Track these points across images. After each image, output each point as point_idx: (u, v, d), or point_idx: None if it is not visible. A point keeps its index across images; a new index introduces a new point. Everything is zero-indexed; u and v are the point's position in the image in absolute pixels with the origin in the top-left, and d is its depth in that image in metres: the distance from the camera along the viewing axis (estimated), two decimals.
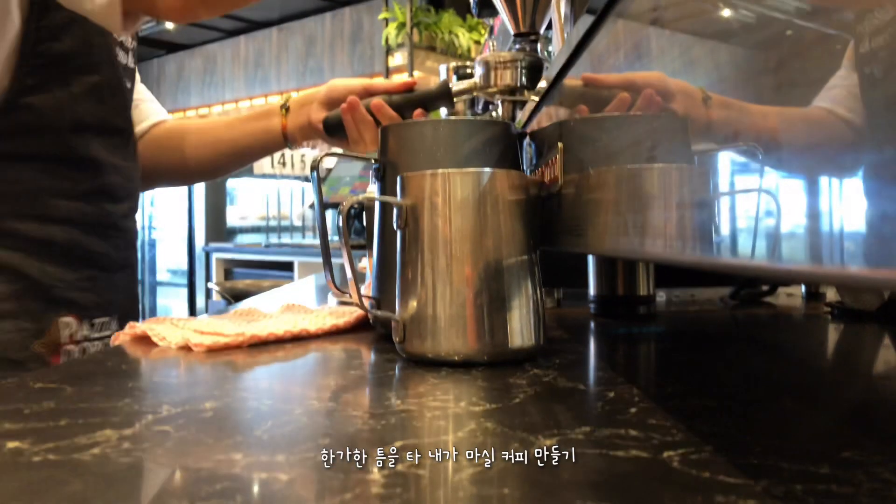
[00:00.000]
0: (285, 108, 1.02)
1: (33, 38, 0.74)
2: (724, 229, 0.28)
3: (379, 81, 0.96)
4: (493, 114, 1.53)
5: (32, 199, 0.76)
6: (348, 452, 0.35)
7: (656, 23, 0.37)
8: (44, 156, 0.77)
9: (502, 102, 1.03)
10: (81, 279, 0.81)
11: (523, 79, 0.85)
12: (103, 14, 0.69)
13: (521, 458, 0.33)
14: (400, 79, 0.95)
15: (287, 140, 1.03)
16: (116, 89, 0.84)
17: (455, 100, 0.95)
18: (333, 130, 0.95)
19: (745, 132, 0.26)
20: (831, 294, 0.97)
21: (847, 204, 0.20)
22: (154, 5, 0.70)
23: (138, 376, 0.52)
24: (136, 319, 0.87)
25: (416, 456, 0.34)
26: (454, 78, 1.03)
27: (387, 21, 4.90)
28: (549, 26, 0.99)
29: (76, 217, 0.80)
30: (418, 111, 0.93)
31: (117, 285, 0.87)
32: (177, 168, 1.08)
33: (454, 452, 0.35)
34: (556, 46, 0.94)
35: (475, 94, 0.92)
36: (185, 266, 5.36)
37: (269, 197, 5.40)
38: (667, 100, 0.36)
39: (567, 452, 0.34)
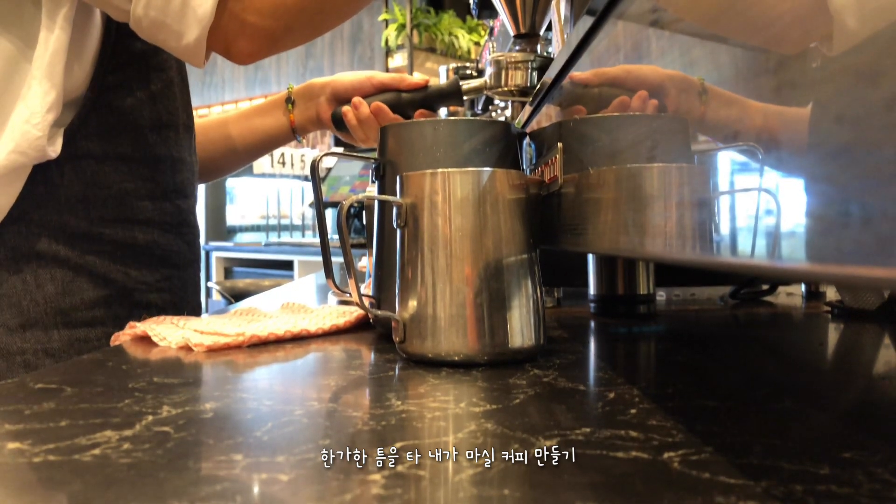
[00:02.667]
0: (291, 101, 1.02)
1: (113, 37, 0.76)
2: (724, 229, 0.28)
3: (384, 76, 0.96)
4: (493, 114, 1.53)
5: (119, 203, 0.78)
6: (348, 453, 0.35)
7: (656, 24, 0.37)
8: (127, 157, 0.79)
9: (512, 103, 1.03)
10: (160, 280, 0.83)
11: (534, 79, 0.85)
12: (188, 53, 0.71)
13: (522, 459, 0.33)
14: (414, 77, 0.95)
15: (296, 133, 1.03)
16: (184, 84, 0.87)
17: (465, 98, 0.95)
18: (342, 126, 0.96)
19: (744, 130, 0.26)
20: (831, 293, 0.97)
21: (847, 203, 0.20)
22: (228, 48, 0.71)
23: (138, 376, 0.52)
24: (199, 314, 0.89)
25: (417, 457, 0.34)
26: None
27: (387, 22, 4.90)
28: (549, 27, 0.99)
29: (156, 217, 0.82)
30: (419, 111, 0.93)
31: (188, 282, 0.89)
32: None
33: (454, 453, 0.35)
34: (556, 47, 0.94)
35: (485, 93, 0.91)
36: None
37: (268, 196, 5.40)
38: (662, 95, 0.36)
39: (567, 453, 0.34)
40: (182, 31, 0.68)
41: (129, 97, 0.78)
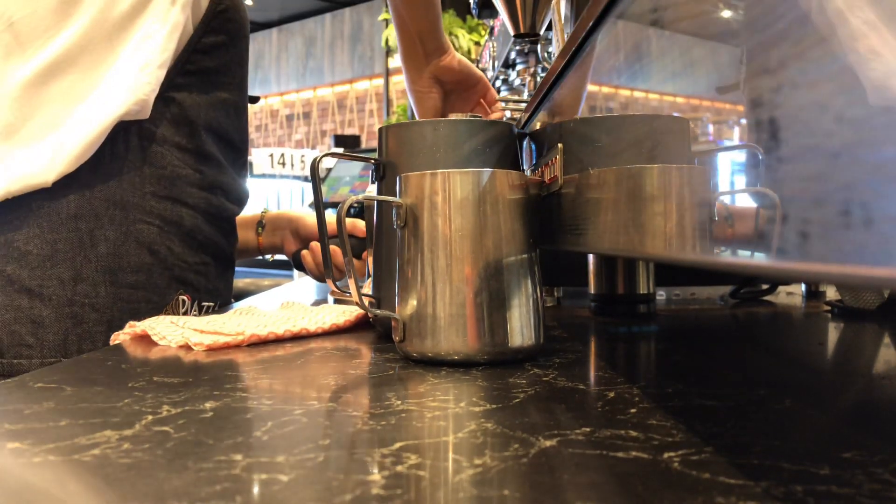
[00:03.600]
0: (261, 225, 1.17)
1: (192, 48, 0.88)
2: (724, 228, 0.28)
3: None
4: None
5: (170, 183, 0.86)
6: (348, 453, 0.35)
7: (656, 24, 0.37)
8: (182, 146, 0.88)
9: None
10: (198, 263, 0.91)
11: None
12: None
13: (522, 459, 0.33)
14: (362, 225, 1.08)
15: (262, 252, 1.19)
16: (240, 111, 0.97)
17: None
18: (301, 266, 1.14)
19: None
20: (831, 293, 0.97)
21: (847, 202, 0.20)
22: None
23: (138, 376, 0.52)
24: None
25: (417, 456, 0.34)
26: None
27: (387, 22, 4.90)
28: (549, 27, 0.99)
29: (201, 205, 0.90)
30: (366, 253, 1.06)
31: (223, 275, 0.97)
32: None
33: (454, 453, 0.35)
34: (556, 47, 0.94)
35: None
36: None
37: (268, 196, 5.40)
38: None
39: (567, 453, 0.34)
40: None
41: (190, 98, 0.88)
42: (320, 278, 1.13)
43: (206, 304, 0.92)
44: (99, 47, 0.82)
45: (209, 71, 0.90)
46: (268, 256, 1.22)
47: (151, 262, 0.85)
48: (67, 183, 0.80)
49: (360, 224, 1.08)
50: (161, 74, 0.83)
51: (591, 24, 0.47)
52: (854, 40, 0.20)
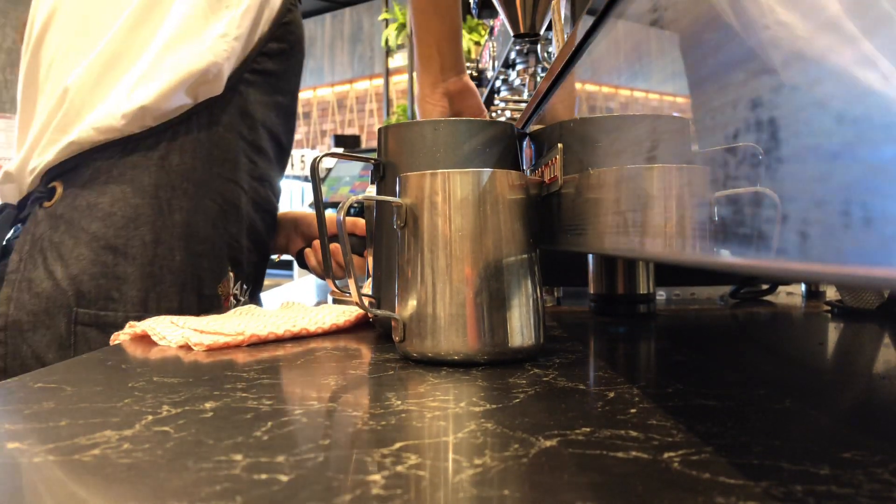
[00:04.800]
0: None
1: (259, 50, 0.97)
2: (724, 228, 0.28)
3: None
4: (494, 114, 1.54)
5: (233, 167, 0.95)
6: (348, 453, 0.35)
7: (656, 24, 0.37)
8: (244, 136, 0.97)
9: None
10: (245, 246, 0.99)
11: None
12: None
13: (522, 459, 0.33)
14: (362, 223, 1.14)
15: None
16: (290, 116, 1.07)
17: None
18: (304, 264, 1.17)
19: None
20: (831, 293, 0.97)
21: (847, 202, 0.20)
22: None
23: (138, 376, 0.52)
24: (257, 300, 1.07)
25: (417, 456, 0.34)
26: None
27: (387, 22, 4.91)
28: (549, 27, 0.99)
29: (252, 193, 0.99)
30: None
31: (256, 265, 1.04)
32: None
33: (454, 453, 0.35)
34: (556, 47, 0.94)
35: None
36: None
37: None
38: None
39: (567, 453, 0.34)
40: None
41: (254, 95, 0.97)
42: (323, 276, 1.17)
43: (244, 286, 1.00)
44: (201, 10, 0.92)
45: (271, 74, 0.99)
46: (274, 256, 1.25)
47: (214, 236, 0.93)
48: (147, 155, 0.89)
49: (360, 223, 1.10)
50: (236, 47, 0.92)
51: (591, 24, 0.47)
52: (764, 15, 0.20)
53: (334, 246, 1.07)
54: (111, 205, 0.87)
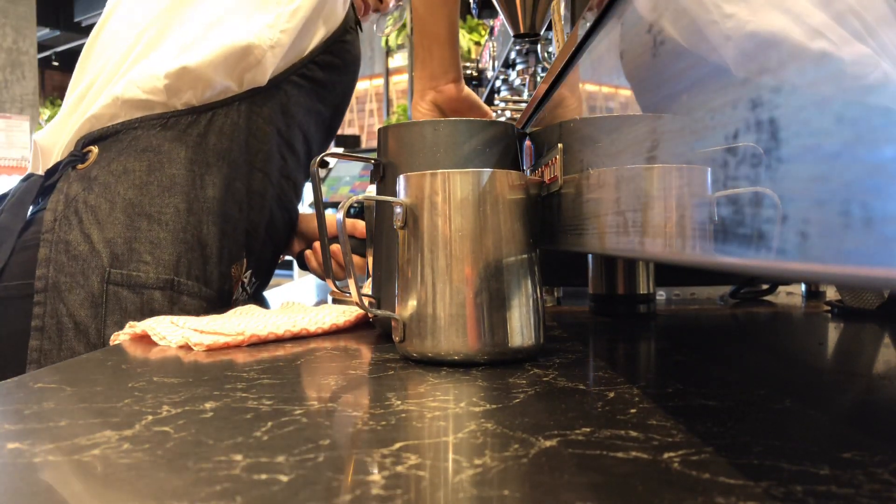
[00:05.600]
0: None
1: (312, 58, 1.02)
2: (724, 228, 0.28)
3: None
4: (494, 114, 1.54)
5: (266, 158, 0.99)
6: (348, 453, 0.35)
7: (656, 24, 0.37)
8: (280, 131, 1.00)
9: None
10: (261, 238, 1.02)
11: None
12: None
13: (522, 459, 0.33)
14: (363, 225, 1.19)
15: None
16: (327, 127, 1.11)
17: None
18: (305, 266, 1.20)
19: None
20: (831, 293, 0.97)
21: (847, 202, 0.20)
22: None
23: (138, 376, 0.52)
24: (261, 300, 1.10)
25: (417, 457, 0.34)
26: None
27: None
28: (549, 27, 0.99)
29: (278, 188, 1.03)
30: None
31: (269, 261, 1.08)
32: None
33: (454, 453, 0.35)
34: (556, 47, 0.94)
35: None
36: None
37: None
38: None
39: (567, 453, 0.34)
40: None
41: (296, 97, 1.01)
42: (324, 277, 1.19)
43: (254, 278, 1.03)
44: None
45: (318, 82, 1.04)
46: None
47: (238, 219, 0.97)
48: (187, 131, 0.93)
49: (359, 224, 1.12)
50: (283, 39, 0.96)
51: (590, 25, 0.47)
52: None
53: (335, 247, 1.09)
54: (148, 173, 0.91)
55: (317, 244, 1.17)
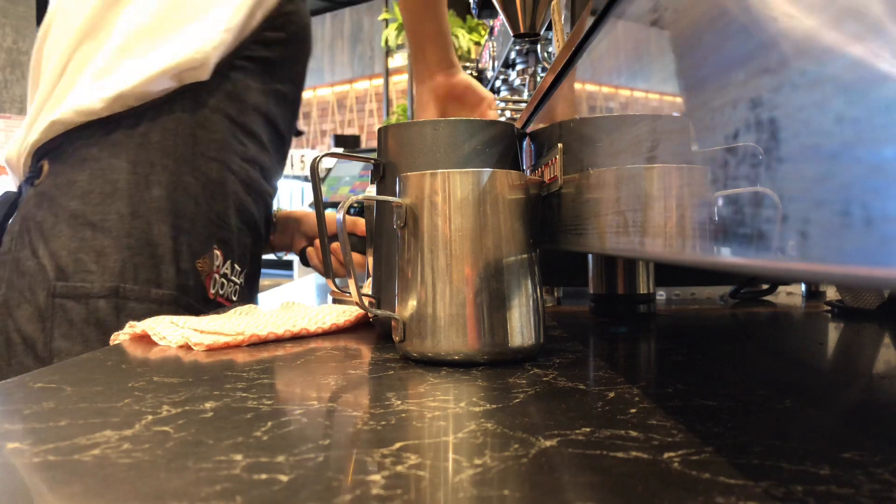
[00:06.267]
0: (273, 225, 1.21)
1: (254, 38, 0.97)
2: (724, 228, 0.28)
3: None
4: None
5: (219, 148, 0.97)
6: (348, 453, 0.35)
7: (657, 24, 0.37)
8: (232, 118, 0.98)
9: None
10: (234, 226, 1.00)
11: None
12: None
13: (522, 459, 0.33)
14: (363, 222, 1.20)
15: (274, 250, 1.26)
16: (289, 103, 1.08)
17: None
18: (307, 262, 1.20)
19: None
20: (831, 293, 0.97)
21: (847, 202, 0.20)
22: None
23: (138, 376, 0.52)
24: (256, 288, 1.10)
25: (417, 456, 0.34)
26: None
27: (387, 22, 4.90)
28: (549, 27, 0.99)
29: (242, 174, 1.00)
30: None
31: (252, 247, 1.06)
32: None
33: (454, 453, 0.35)
34: (556, 47, 0.94)
35: None
36: None
37: None
38: None
39: (567, 453, 0.34)
40: None
41: (244, 81, 0.98)
42: (325, 274, 1.18)
43: (236, 266, 1.01)
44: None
45: (266, 61, 1.00)
46: (281, 254, 1.28)
47: (195, 213, 0.94)
48: (128, 133, 0.91)
49: (360, 222, 1.12)
50: (227, 38, 0.94)
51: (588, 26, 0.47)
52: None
53: (335, 245, 1.09)
54: (89, 182, 0.90)
55: (318, 241, 1.16)
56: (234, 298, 1.01)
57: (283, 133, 1.08)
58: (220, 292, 0.99)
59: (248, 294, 1.06)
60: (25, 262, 0.88)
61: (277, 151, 1.08)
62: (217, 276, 0.98)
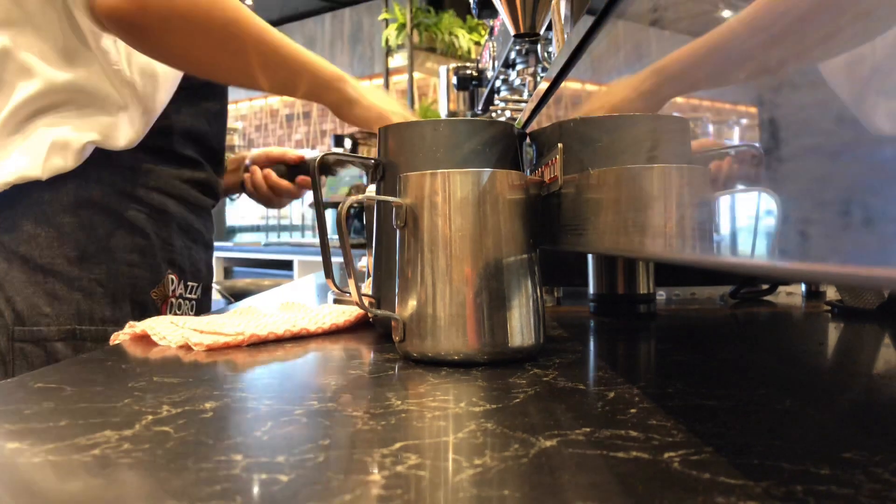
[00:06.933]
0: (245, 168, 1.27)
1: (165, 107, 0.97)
2: (724, 228, 0.28)
3: (277, 152, 1.25)
4: (494, 114, 1.54)
5: (157, 176, 0.97)
6: (348, 453, 0.35)
7: (656, 24, 0.37)
8: (167, 150, 0.99)
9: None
10: (183, 247, 1.01)
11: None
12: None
13: (522, 459, 0.33)
14: (297, 152, 1.24)
15: (227, 194, 1.29)
16: (220, 117, 1.09)
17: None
18: (245, 190, 1.26)
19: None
20: (831, 293, 0.97)
21: (847, 202, 0.20)
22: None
23: (138, 376, 0.52)
24: (210, 293, 1.10)
25: (417, 456, 0.34)
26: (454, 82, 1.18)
27: (387, 22, 4.90)
28: (549, 27, 0.99)
29: (185, 196, 1.01)
30: (300, 177, 1.22)
31: (203, 260, 1.07)
32: None
33: (454, 453, 0.35)
34: (556, 47, 0.94)
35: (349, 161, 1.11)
36: None
37: None
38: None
39: (567, 453, 0.34)
40: None
41: (174, 110, 0.99)
42: (258, 199, 1.24)
43: (191, 283, 1.02)
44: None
45: (195, 86, 1.01)
46: (235, 196, 1.32)
47: (144, 245, 0.95)
48: (66, 177, 0.89)
49: (289, 152, 1.20)
50: (149, 120, 0.95)
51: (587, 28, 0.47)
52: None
53: (267, 171, 1.16)
54: (34, 227, 0.89)
55: (254, 167, 1.21)
56: (192, 313, 1.01)
57: (216, 147, 1.08)
58: (178, 313, 0.99)
59: (205, 302, 1.07)
60: None
61: (215, 164, 1.09)
62: (173, 299, 0.99)
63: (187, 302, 1.02)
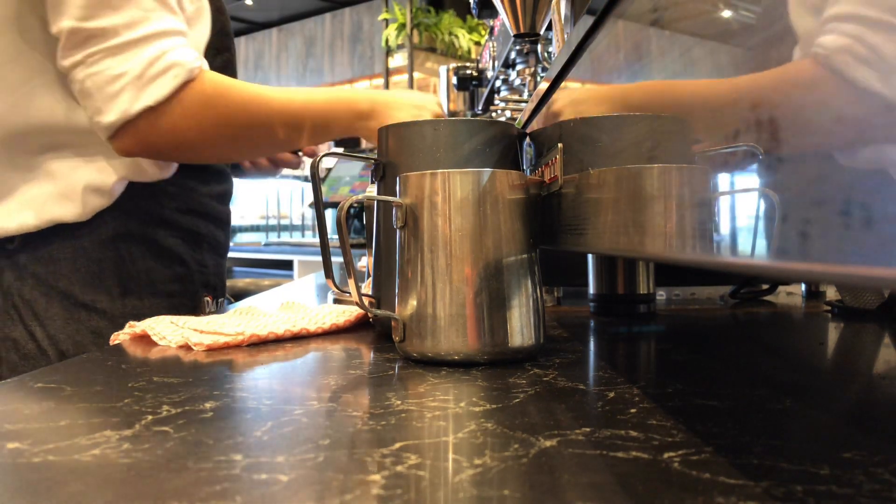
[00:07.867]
0: None
1: None
2: (724, 228, 0.28)
3: None
4: (494, 114, 1.54)
5: (188, 197, 0.97)
6: (348, 453, 0.35)
7: (656, 23, 0.37)
8: (199, 166, 0.98)
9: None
10: (214, 266, 1.02)
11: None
12: (101, 126, 0.84)
13: (522, 459, 0.33)
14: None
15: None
16: None
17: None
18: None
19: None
20: (831, 293, 0.97)
21: (847, 202, 0.20)
22: (121, 144, 0.85)
23: (138, 376, 0.52)
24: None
25: (417, 456, 0.34)
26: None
27: (387, 22, 4.90)
28: (550, 27, 0.99)
29: (212, 213, 1.01)
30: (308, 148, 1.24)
31: (224, 268, 1.09)
32: None
33: (454, 453, 0.35)
34: (556, 47, 0.94)
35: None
36: None
37: (268, 196, 5.39)
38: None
39: (567, 453, 0.34)
40: (103, 108, 0.81)
41: None
42: (260, 174, 1.25)
43: (220, 298, 1.03)
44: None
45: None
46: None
47: (183, 273, 0.95)
48: (106, 212, 0.89)
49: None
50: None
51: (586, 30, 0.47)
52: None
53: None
54: (73, 261, 0.88)
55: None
56: None
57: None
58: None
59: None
60: (25, 344, 0.87)
61: (235, 168, 1.10)
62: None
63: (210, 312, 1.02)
